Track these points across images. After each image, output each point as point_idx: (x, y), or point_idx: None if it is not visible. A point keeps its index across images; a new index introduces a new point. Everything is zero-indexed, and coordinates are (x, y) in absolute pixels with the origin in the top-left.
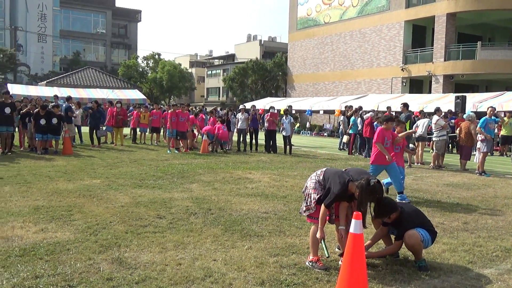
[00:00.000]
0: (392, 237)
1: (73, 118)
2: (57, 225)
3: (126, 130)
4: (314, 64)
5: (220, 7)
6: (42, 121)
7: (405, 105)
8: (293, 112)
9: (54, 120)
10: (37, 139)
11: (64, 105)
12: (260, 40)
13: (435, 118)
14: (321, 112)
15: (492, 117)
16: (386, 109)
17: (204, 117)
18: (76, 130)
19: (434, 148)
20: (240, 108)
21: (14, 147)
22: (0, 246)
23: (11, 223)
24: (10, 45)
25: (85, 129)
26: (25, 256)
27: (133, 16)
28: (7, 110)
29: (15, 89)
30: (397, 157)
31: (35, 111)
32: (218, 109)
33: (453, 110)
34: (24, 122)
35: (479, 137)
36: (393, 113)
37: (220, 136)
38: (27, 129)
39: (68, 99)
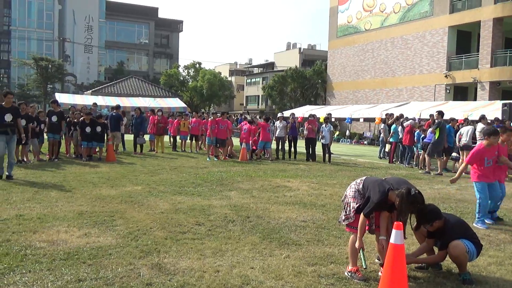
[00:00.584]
0: (435, 249)
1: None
2: (99, 230)
3: (167, 138)
4: (354, 72)
5: (260, 16)
6: (88, 129)
7: (440, 113)
8: (333, 120)
9: (98, 128)
10: (82, 146)
11: (113, 114)
12: (300, 48)
13: (479, 126)
14: (361, 120)
15: None
16: (428, 117)
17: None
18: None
19: None
20: (278, 116)
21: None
22: (46, 249)
23: (56, 227)
24: (58, 55)
25: (128, 137)
26: (69, 259)
27: (175, 26)
28: (54, 118)
29: (63, 98)
30: (498, 172)
31: (80, 119)
32: (257, 117)
33: (500, 118)
34: (70, 130)
35: None
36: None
37: (263, 137)
38: (73, 137)
39: (117, 108)
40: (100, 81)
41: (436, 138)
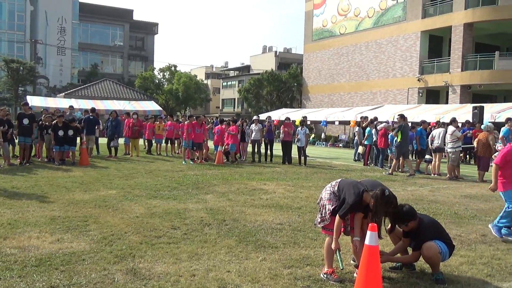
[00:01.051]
0: (409, 249)
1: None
2: (73, 235)
3: (142, 141)
4: (330, 75)
5: (236, 19)
6: (60, 133)
7: (402, 116)
8: (308, 123)
9: (70, 132)
10: (54, 150)
11: (89, 117)
12: (276, 52)
13: (451, 128)
14: (336, 123)
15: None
16: None
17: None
18: None
19: (450, 160)
20: (253, 119)
21: (32, 158)
22: (17, 256)
23: (28, 233)
24: (30, 58)
25: (102, 140)
26: (41, 266)
27: (150, 28)
28: (25, 121)
29: (34, 101)
30: None
31: (53, 122)
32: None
33: (471, 121)
34: (41, 134)
35: (498, 146)
36: (410, 124)
37: (231, 140)
38: (45, 140)
39: (93, 111)
40: (73, 84)
41: (398, 141)
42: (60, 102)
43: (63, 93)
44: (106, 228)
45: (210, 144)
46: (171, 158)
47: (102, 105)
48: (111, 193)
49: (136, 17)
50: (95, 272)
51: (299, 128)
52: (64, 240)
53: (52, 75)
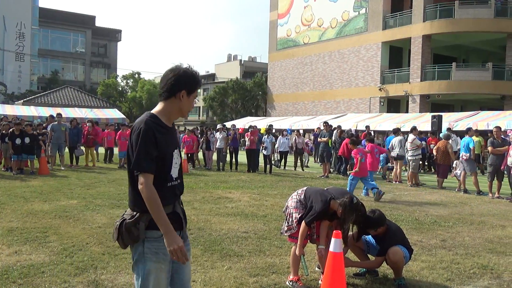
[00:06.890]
0: (370, 256)
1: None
2: (31, 247)
3: (102, 150)
4: (294, 84)
5: (200, 27)
6: (18, 141)
7: (326, 123)
8: (273, 131)
9: (27, 140)
10: (12, 159)
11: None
12: (240, 60)
13: (411, 137)
14: (301, 131)
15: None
16: (364, 128)
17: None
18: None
19: (410, 167)
20: (218, 127)
21: None
22: None
23: None
24: None
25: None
26: None
27: (113, 35)
28: None
29: None
30: None
31: (9, 130)
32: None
33: (430, 129)
34: None
35: (464, 156)
36: (372, 133)
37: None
38: (2, 149)
39: (52, 117)
40: (32, 91)
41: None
42: (18, 110)
43: (22, 100)
44: (66, 239)
45: None
46: None
47: (63, 112)
48: (72, 203)
49: (99, 23)
50: (55, 285)
51: (265, 136)
52: (22, 252)
53: (10, 82)
